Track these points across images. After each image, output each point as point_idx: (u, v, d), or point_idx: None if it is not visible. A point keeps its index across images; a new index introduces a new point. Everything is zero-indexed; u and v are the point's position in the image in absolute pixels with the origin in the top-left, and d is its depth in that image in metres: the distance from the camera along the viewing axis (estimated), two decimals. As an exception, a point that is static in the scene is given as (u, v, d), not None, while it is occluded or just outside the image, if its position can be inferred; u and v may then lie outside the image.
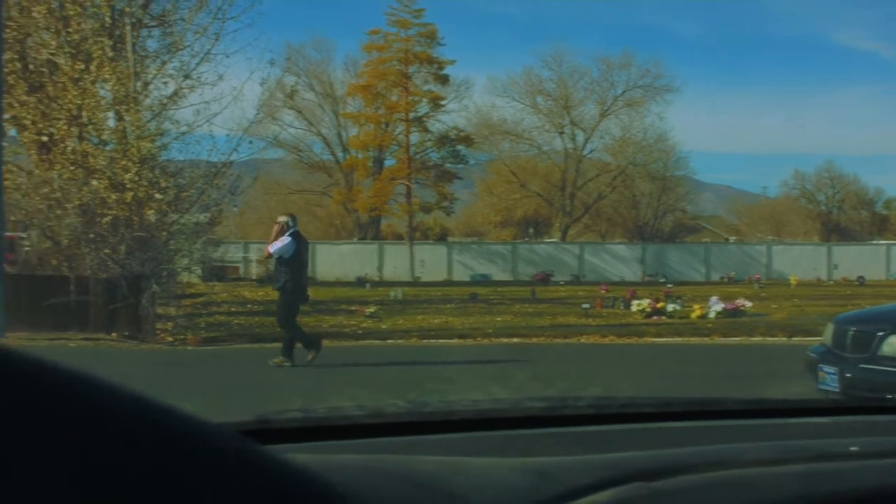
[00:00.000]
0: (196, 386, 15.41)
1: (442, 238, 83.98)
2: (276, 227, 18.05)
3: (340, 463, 1.41)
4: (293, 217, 18.41)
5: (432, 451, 1.67)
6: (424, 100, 70.15)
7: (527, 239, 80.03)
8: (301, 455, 1.43)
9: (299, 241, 17.63)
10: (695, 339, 24.76)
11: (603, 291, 38.83)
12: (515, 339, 23.96)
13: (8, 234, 26.69)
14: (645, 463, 1.57)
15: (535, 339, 24.06)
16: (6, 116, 28.23)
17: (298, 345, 17.47)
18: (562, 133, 79.83)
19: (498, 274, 63.44)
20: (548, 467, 1.49)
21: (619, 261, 66.34)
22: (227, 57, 31.86)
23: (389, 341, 23.30)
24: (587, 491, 1.40)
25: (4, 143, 27.80)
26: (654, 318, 29.76)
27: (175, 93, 29.93)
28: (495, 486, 1.40)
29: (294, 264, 17.45)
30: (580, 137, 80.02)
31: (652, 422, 2.30)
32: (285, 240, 17.47)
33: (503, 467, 1.49)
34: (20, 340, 21.43)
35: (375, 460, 1.46)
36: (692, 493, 1.47)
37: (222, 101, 30.45)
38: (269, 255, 18.33)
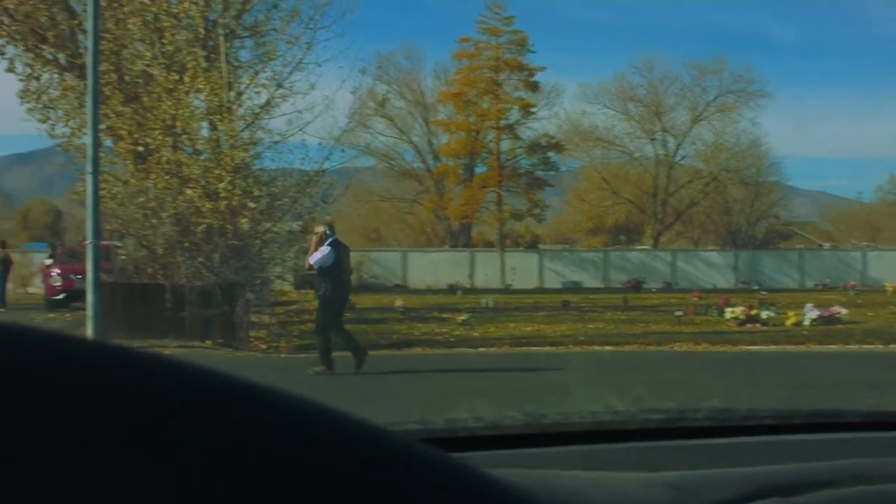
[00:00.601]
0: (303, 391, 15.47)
1: (533, 245, 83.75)
2: (314, 238, 18.23)
3: None
4: (331, 226, 18.49)
5: (554, 464, 1.64)
6: (515, 107, 70.01)
7: (618, 246, 79.46)
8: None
9: (338, 250, 17.73)
10: (790, 347, 24.41)
11: (696, 299, 38.48)
12: (608, 347, 23.80)
13: (104, 242, 27.04)
14: (781, 478, 1.53)
15: (627, 347, 23.89)
16: (102, 127, 28.63)
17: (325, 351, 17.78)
18: (653, 139, 79.41)
19: (589, 281, 63.09)
20: (682, 482, 1.46)
21: (711, 268, 65.63)
22: (319, 66, 32.10)
23: (481, 349, 23.24)
24: None
25: (101, 153, 28.22)
26: (748, 325, 29.40)
27: (268, 102, 30.17)
28: (634, 501, 1.37)
29: (334, 273, 17.57)
30: (672, 144, 79.56)
31: (772, 434, 2.25)
32: (324, 250, 17.60)
33: (638, 482, 1.46)
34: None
35: (516, 475, 1.43)
36: None
37: (314, 110, 30.72)
38: (311, 267, 18.42)
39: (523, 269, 63.38)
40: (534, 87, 70.89)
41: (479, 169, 73.09)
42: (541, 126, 72.62)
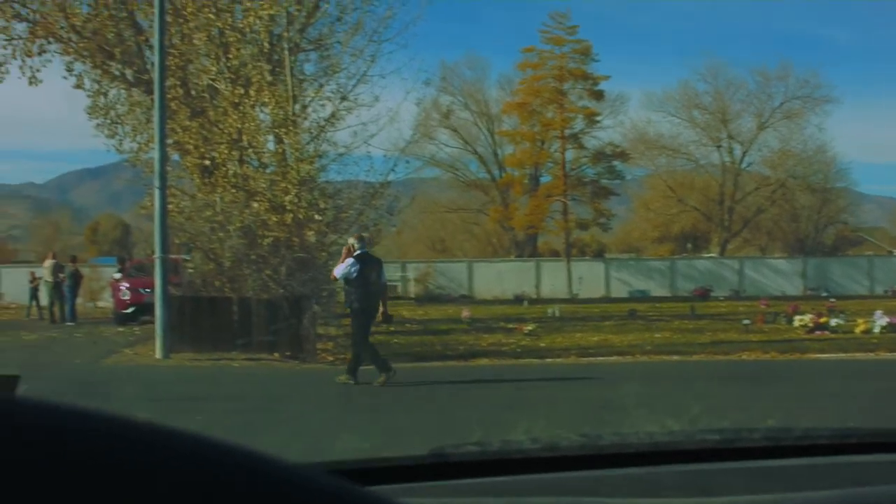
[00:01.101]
0: (365, 406, 15.53)
1: (599, 254, 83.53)
2: (344, 249, 18.47)
3: None
4: (361, 239, 18.51)
5: (611, 487, 1.61)
6: (580, 116, 69.87)
7: (685, 254, 79.02)
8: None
9: (364, 263, 17.73)
10: (859, 355, 24.10)
11: (763, 306, 38.12)
12: (675, 357, 23.63)
13: (172, 256, 27.28)
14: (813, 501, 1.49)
15: (695, 357, 23.70)
16: (169, 141, 28.89)
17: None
18: (719, 147, 78.89)
19: (656, 290, 62.78)
20: None
21: (779, 275, 64.98)
22: (383, 78, 32.31)
23: (548, 360, 23.15)
24: None
25: (168, 168, 28.47)
26: (817, 333, 29.11)
27: (332, 115, 30.28)
28: None
29: (361, 285, 17.59)
30: (738, 151, 79.03)
31: (828, 455, 2.21)
32: (348, 262, 17.74)
33: None
34: (184, 361, 21.88)
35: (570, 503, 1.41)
36: None
37: (379, 121, 30.94)
38: (335, 279, 18.80)
39: (590, 279, 63.15)
40: (598, 95, 70.70)
41: (545, 178, 73.04)
42: (606, 135, 72.53)
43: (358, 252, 17.83)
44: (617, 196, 76.01)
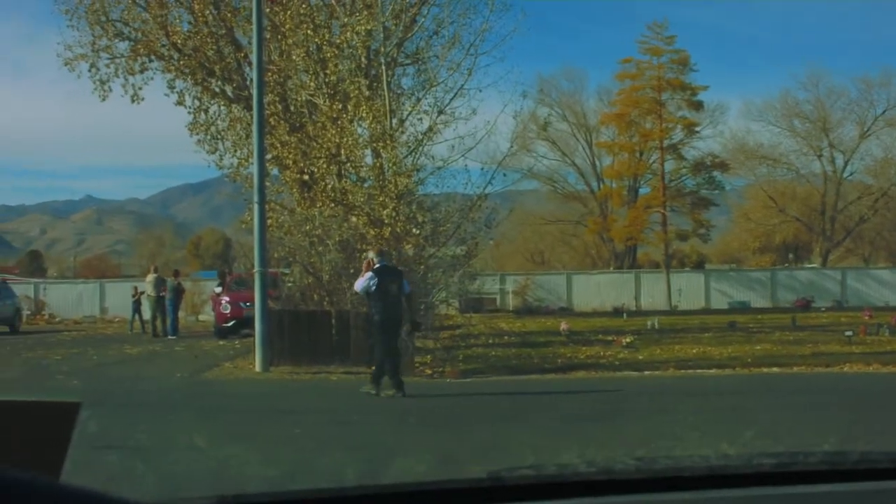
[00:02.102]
0: (468, 419, 15.52)
1: (699, 265, 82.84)
2: (365, 263, 18.85)
3: None
4: (382, 253, 19.10)
5: None
6: (678, 126, 69.42)
7: (786, 265, 78.05)
8: None
9: (382, 276, 18.00)
10: (967, 367, 23.57)
11: (867, 318, 37.49)
12: (775, 369, 23.28)
13: (271, 270, 27.54)
14: None
15: (795, 369, 23.34)
16: (268, 156, 29.20)
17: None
18: (820, 156, 77.81)
19: (757, 301, 62.05)
20: None
21: (883, 286, 63.80)
22: (480, 91, 32.22)
23: (646, 372, 22.94)
24: None
25: (267, 183, 28.76)
26: (923, 344, 28.58)
27: (430, 128, 30.32)
28: None
29: (380, 298, 17.93)
30: (839, 160, 77.90)
31: (887, 479, 2.17)
32: (367, 275, 18.10)
33: None
34: (283, 374, 22.05)
35: None
36: None
37: (476, 134, 30.73)
38: (356, 292, 19.47)
39: (689, 290, 62.65)
40: (697, 105, 70.21)
41: (643, 190, 72.77)
42: (705, 145, 72.23)
43: (377, 266, 18.22)
44: (717, 206, 75.39)
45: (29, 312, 54.02)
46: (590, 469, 2.08)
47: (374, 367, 18.08)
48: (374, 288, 17.93)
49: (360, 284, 18.44)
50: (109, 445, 10.54)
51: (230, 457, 10.31)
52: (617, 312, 53.04)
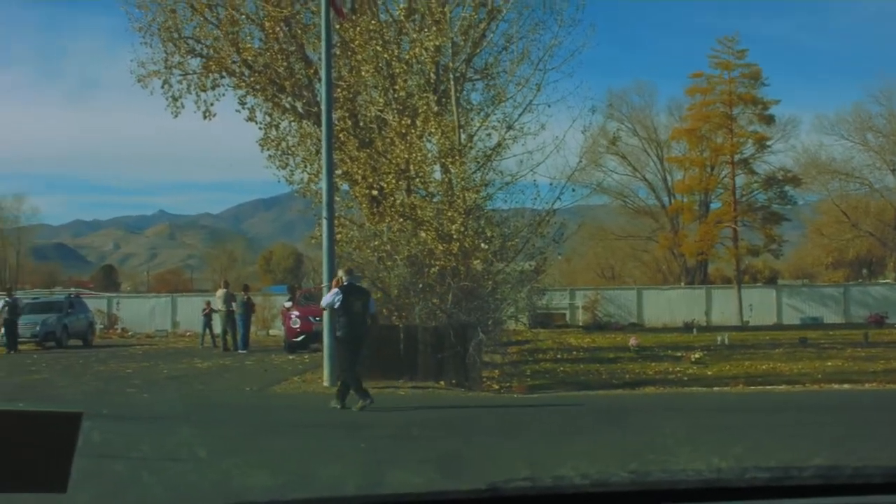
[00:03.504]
0: (531, 432, 15.50)
1: (771, 281, 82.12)
2: (334, 282, 19.78)
3: None
4: (351, 271, 19.98)
5: None
6: (749, 141, 68.97)
7: (860, 280, 77.12)
8: None
9: (348, 294, 18.61)
10: None
11: (943, 334, 36.98)
12: (846, 385, 23.03)
13: (341, 285, 27.64)
14: None
15: (867, 385, 23.08)
16: (338, 172, 29.36)
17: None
18: (894, 170, 76.82)
19: (829, 317, 61.36)
20: None
21: (960, 302, 62.84)
22: (549, 106, 32.16)
23: (715, 388, 22.79)
24: None
25: (337, 198, 28.91)
26: None
27: (498, 144, 30.35)
28: None
29: (344, 314, 18.56)
30: (914, 174, 76.77)
31: (881, 493, 2.16)
32: (332, 292, 19.00)
33: None
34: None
35: None
36: None
37: (545, 150, 30.68)
38: (322, 308, 20.70)
39: (761, 306, 62.11)
40: (768, 120, 69.71)
41: (714, 205, 72.29)
42: (776, 159, 71.47)
43: (345, 283, 18.87)
44: (789, 221, 74.69)
45: (102, 326, 54.72)
46: (584, 481, 2.10)
47: (353, 383, 18.25)
48: (337, 304, 18.61)
49: (325, 300, 19.50)
50: (174, 458, 10.65)
51: (295, 472, 10.38)
52: (687, 328, 52.71)
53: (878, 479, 2.23)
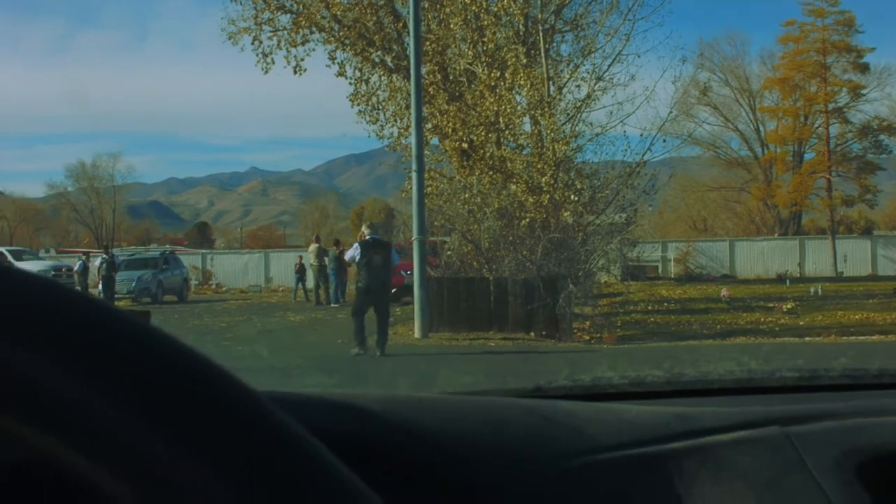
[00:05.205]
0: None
1: (867, 231, 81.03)
2: (359, 236, 20.97)
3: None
4: (372, 226, 21.14)
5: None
6: (844, 90, 67.90)
7: (960, 229, 75.84)
8: None
9: (367, 248, 19.66)
10: None
11: None
12: (941, 334, 22.78)
13: (431, 238, 27.80)
14: (789, 410, 1.56)
15: (960, 334, 22.82)
16: (428, 126, 29.44)
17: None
18: None
19: (927, 267, 60.43)
20: (691, 413, 1.51)
21: None
22: (639, 57, 32.30)
23: (807, 339, 22.64)
24: (718, 431, 1.43)
25: (427, 152, 29.03)
26: None
27: (588, 95, 30.28)
28: (624, 423, 1.44)
29: (364, 266, 19.61)
30: None
31: None
32: (354, 247, 20.36)
33: (646, 411, 1.52)
34: (442, 340, 22.31)
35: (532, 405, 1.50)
36: (826, 437, 1.46)
37: (635, 101, 30.68)
38: (347, 262, 23.35)
39: (855, 257, 61.26)
40: (863, 68, 68.53)
41: (808, 155, 71.37)
42: (871, 108, 70.55)
43: (367, 238, 19.98)
44: (884, 171, 73.47)
45: (197, 282, 55.45)
46: (622, 380, 2.19)
47: (356, 328, 19.31)
48: (358, 258, 19.68)
49: (348, 254, 21.02)
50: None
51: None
52: (780, 279, 52.21)
53: None
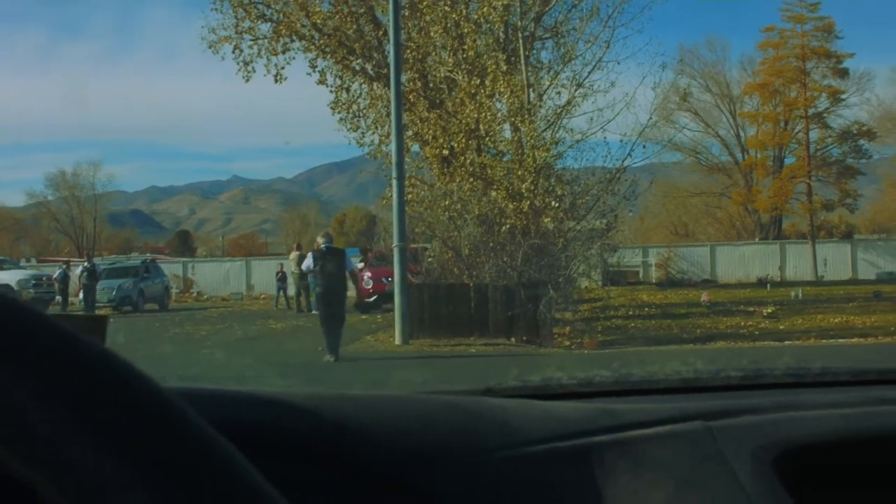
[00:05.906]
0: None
1: (847, 236, 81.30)
2: (314, 246, 21.88)
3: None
4: (327, 236, 21.56)
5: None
6: (823, 95, 68.18)
7: (938, 234, 76.12)
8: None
9: (322, 256, 20.26)
10: None
11: None
12: (920, 338, 22.89)
13: (412, 245, 27.87)
14: (713, 406, 1.64)
15: (944, 337, 22.93)
16: (409, 133, 29.53)
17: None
18: (973, 122, 75.60)
19: (906, 271, 60.63)
20: (617, 408, 1.58)
21: None
22: (619, 63, 32.27)
23: (787, 342, 22.75)
24: (642, 426, 1.50)
25: (408, 159, 29.10)
26: None
27: (568, 102, 30.41)
28: (550, 418, 1.51)
29: (319, 274, 20.42)
30: None
31: (845, 386, 2.30)
32: (308, 256, 21.49)
33: (577, 409, 1.59)
34: (423, 347, 22.36)
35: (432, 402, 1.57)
36: (745, 430, 1.54)
37: (615, 107, 30.81)
38: (302, 271, 25.40)
39: (836, 260, 61.50)
40: (843, 73, 68.81)
41: (788, 160, 71.58)
42: (851, 113, 70.54)
43: (322, 247, 20.48)
44: (864, 176, 73.76)
45: (178, 290, 55.45)
46: (571, 381, 2.26)
47: (327, 337, 19.79)
48: (312, 267, 20.71)
49: (304, 264, 22.46)
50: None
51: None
52: (761, 283, 52.41)
53: (844, 376, 2.36)
